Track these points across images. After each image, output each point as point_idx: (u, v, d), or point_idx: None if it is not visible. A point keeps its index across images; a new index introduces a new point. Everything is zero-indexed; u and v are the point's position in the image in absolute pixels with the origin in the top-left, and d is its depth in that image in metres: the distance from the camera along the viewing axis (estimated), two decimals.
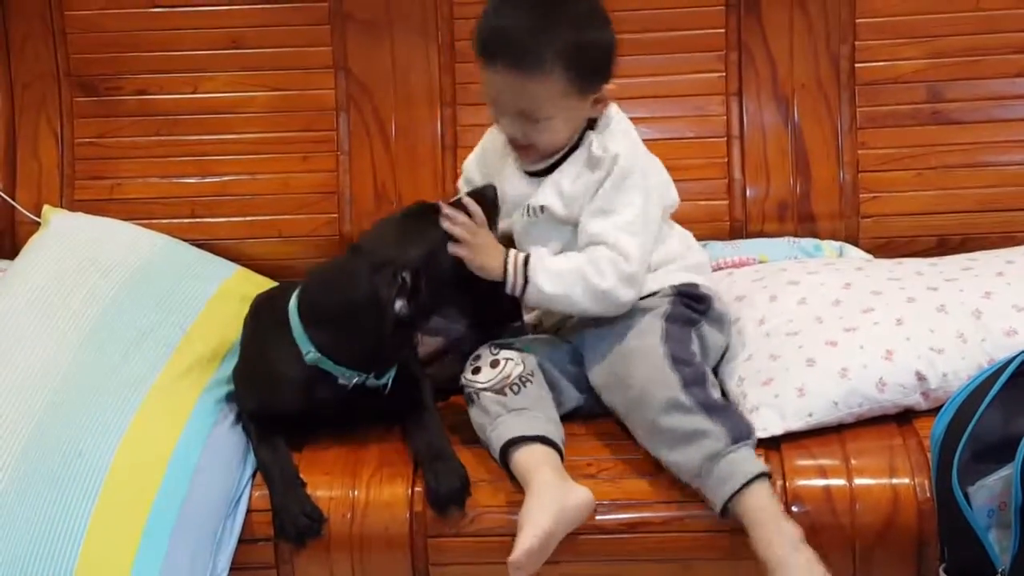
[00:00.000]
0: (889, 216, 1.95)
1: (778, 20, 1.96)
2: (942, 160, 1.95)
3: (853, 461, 1.53)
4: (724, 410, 1.53)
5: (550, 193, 1.64)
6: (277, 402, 1.60)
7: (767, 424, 1.56)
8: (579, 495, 1.49)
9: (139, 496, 1.50)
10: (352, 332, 1.55)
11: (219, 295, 1.83)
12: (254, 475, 1.58)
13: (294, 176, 2.01)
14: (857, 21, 1.96)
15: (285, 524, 1.52)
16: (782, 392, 1.58)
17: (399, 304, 1.52)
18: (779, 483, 1.51)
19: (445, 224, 1.57)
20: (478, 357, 1.61)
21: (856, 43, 1.96)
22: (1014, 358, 1.35)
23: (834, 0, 1.95)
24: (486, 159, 1.74)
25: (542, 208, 1.63)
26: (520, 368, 1.59)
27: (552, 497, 1.46)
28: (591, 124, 1.64)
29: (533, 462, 1.51)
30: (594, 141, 1.61)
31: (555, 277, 1.58)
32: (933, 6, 1.95)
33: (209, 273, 1.88)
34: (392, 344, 1.57)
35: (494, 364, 1.59)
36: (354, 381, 1.58)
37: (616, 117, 1.65)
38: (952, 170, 1.95)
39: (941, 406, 1.55)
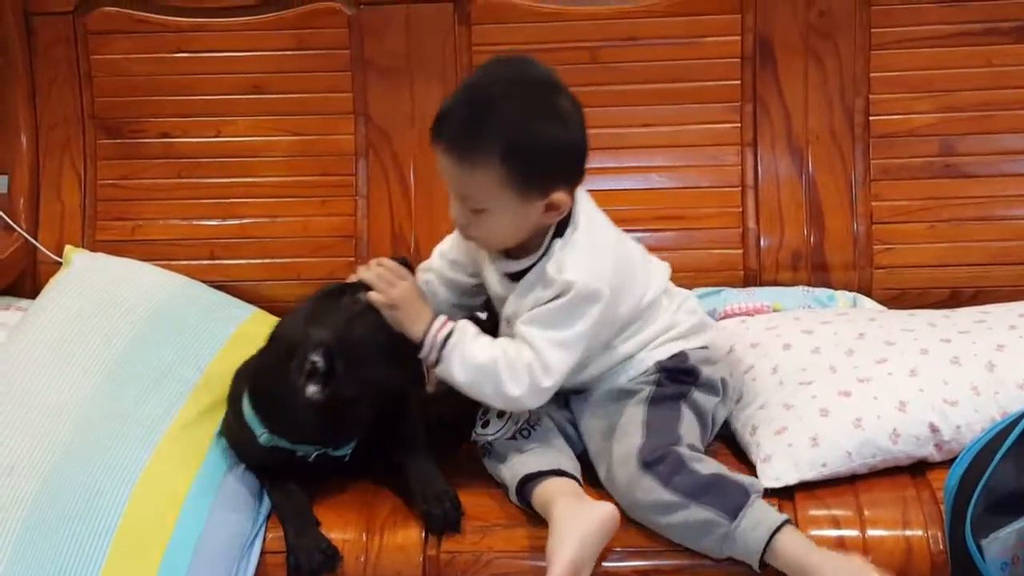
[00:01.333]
0: (902, 268, 1.97)
1: (793, 73, 1.99)
2: (955, 213, 1.96)
3: (866, 512, 1.53)
4: (714, 486, 1.50)
5: (513, 302, 1.59)
6: (258, 463, 1.62)
7: (780, 474, 1.56)
8: (599, 512, 1.48)
9: (154, 536, 1.50)
10: (287, 416, 1.55)
11: (237, 336, 1.84)
12: (268, 517, 1.59)
13: (313, 219, 2.04)
14: (871, 75, 1.98)
15: (300, 561, 1.52)
16: (795, 442, 1.58)
17: (311, 389, 1.50)
18: None
19: (366, 275, 1.55)
20: (486, 411, 1.62)
21: (870, 96, 1.98)
22: None
23: (849, 54, 1.98)
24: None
25: (507, 321, 1.61)
26: (526, 415, 1.60)
27: (572, 526, 1.46)
28: (560, 231, 1.56)
29: (549, 494, 1.51)
30: (552, 258, 1.54)
31: (468, 367, 1.53)
32: (946, 61, 1.97)
33: (227, 314, 1.89)
34: (337, 421, 1.55)
35: (500, 415, 1.60)
36: (313, 455, 1.58)
37: (584, 227, 1.56)
38: (964, 223, 1.96)
39: (954, 458, 1.56)
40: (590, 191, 1.92)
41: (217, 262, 2.03)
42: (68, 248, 1.96)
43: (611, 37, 2.00)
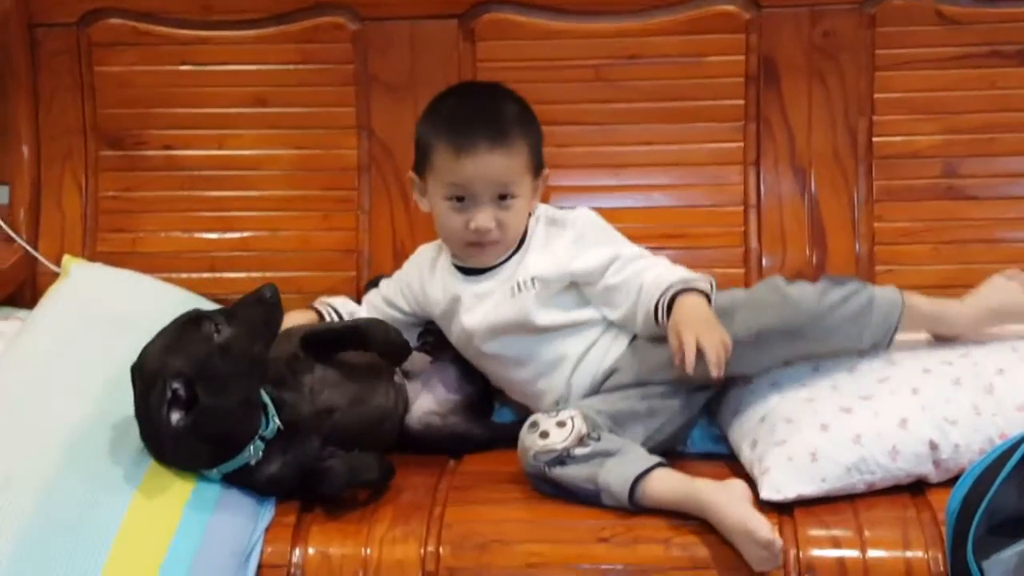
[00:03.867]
0: (904, 289, 1.96)
1: (797, 92, 1.99)
2: (957, 235, 1.97)
3: (867, 533, 1.52)
4: None
5: (531, 265, 1.70)
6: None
7: (780, 486, 1.56)
8: (738, 483, 1.54)
9: (151, 550, 1.49)
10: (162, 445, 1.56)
11: None
12: (266, 530, 1.57)
13: (314, 234, 2.03)
14: (875, 96, 1.98)
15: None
16: (795, 455, 1.58)
17: (175, 417, 1.50)
18: (792, 552, 1.51)
19: None
20: (535, 424, 1.60)
21: (874, 117, 1.98)
22: None
23: (853, 75, 1.98)
24: (411, 287, 1.80)
25: (533, 280, 1.69)
26: (583, 422, 1.60)
27: (737, 495, 1.51)
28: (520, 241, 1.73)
29: (675, 482, 1.55)
30: (540, 220, 1.73)
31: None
32: (950, 83, 1.97)
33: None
34: (209, 443, 1.55)
35: (560, 424, 1.60)
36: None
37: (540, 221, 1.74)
38: (967, 245, 1.97)
39: (952, 479, 1.57)
40: (593, 207, 1.94)
41: (218, 275, 2.02)
42: (66, 258, 1.95)
43: (614, 55, 2.01)
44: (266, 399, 1.60)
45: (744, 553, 1.48)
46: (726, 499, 1.50)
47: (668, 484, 1.55)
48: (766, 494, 1.56)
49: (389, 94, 2.03)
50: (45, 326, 1.77)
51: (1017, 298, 1.74)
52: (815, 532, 1.53)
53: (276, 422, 1.59)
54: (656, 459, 1.58)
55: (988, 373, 1.65)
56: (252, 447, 1.57)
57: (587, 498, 1.58)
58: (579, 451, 1.58)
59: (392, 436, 1.74)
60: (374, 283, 1.90)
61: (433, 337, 1.82)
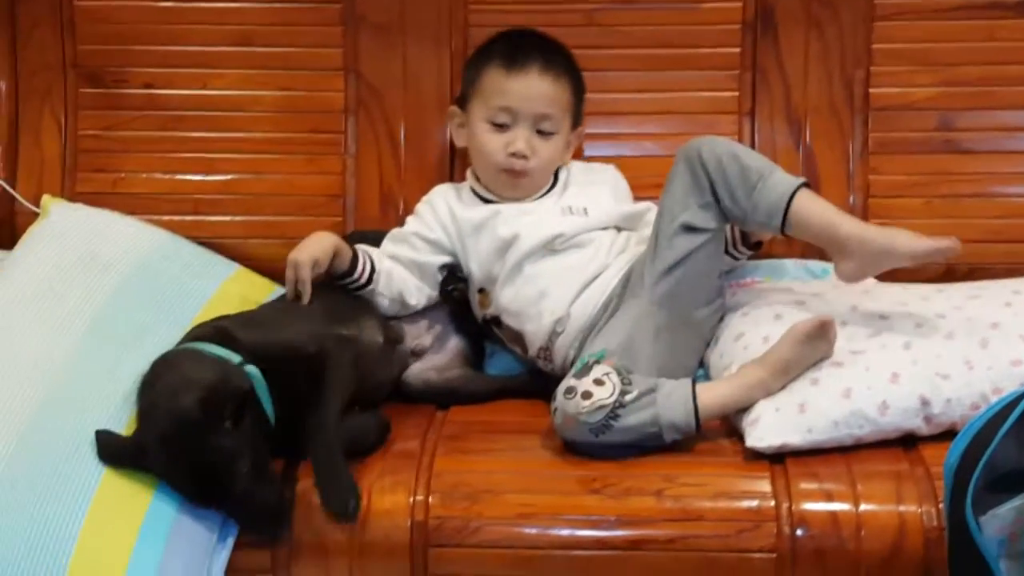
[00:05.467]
0: None
1: (794, 42, 1.96)
2: (952, 189, 1.95)
3: (859, 486, 1.52)
4: None
5: (574, 198, 1.80)
6: None
7: (765, 434, 1.56)
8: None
9: (135, 499, 1.48)
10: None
11: (219, 294, 1.81)
12: None
13: (299, 177, 1.99)
14: (873, 46, 1.95)
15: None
16: (783, 406, 1.58)
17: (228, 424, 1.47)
18: (785, 505, 1.51)
19: None
20: (572, 390, 1.57)
21: (871, 68, 1.95)
22: None
23: (851, 24, 1.95)
24: (437, 211, 1.80)
25: (585, 209, 1.77)
26: (614, 371, 1.59)
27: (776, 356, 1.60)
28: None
29: (722, 387, 1.61)
30: (573, 167, 1.85)
31: None
32: (948, 35, 1.95)
33: (210, 271, 1.86)
34: None
35: (598, 382, 1.57)
36: None
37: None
38: (961, 199, 1.94)
39: (942, 433, 1.58)
40: (584, 158, 1.92)
41: (200, 218, 1.98)
42: (45, 198, 1.90)
43: None
44: (262, 388, 1.54)
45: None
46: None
47: (718, 390, 1.60)
48: (752, 442, 1.56)
49: (377, 35, 1.98)
50: (25, 269, 1.74)
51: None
52: (807, 486, 1.53)
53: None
54: (689, 380, 1.61)
55: (982, 327, 1.64)
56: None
57: (648, 443, 1.57)
58: (628, 398, 1.57)
59: (387, 388, 1.71)
60: (353, 237, 1.86)
61: (461, 284, 1.80)
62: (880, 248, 1.60)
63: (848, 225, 1.62)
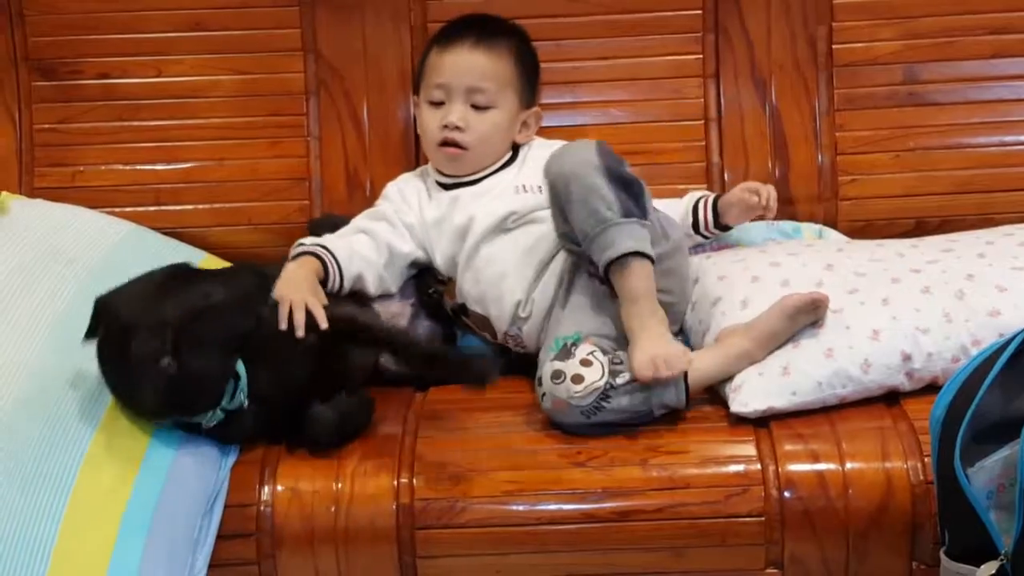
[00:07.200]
0: (867, 199, 1.94)
1: (756, 1, 1.94)
2: (919, 142, 1.94)
3: (844, 445, 1.52)
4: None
5: (531, 176, 1.76)
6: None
7: (749, 399, 1.56)
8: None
9: (113, 494, 1.46)
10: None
11: None
12: (232, 468, 1.54)
13: (262, 162, 1.97)
14: (834, 2, 1.94)
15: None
16: (766, 370, 1.58)
17: (166, 361, 1.47)
18: (771, 468, 1.50)
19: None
20: (560, 374, 1.55)
21: (833, 24, 1.95)
22: (1014, 337, 1.33)
23: None
24: (404, 194, 1.80)
25: (539, 187, 1.73)
26: (598, 350, 1.57)
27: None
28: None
29: (708, 357, 1.60)
30: (533, 144, 1.83)
31: None
32: None
33: (177, 260, 1.82)
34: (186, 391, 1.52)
35: (585, 363, 1.56)
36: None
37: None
38: (929, 152, 1.94)
39: (924, 387, 1.58)
40: (548, 127, 1.90)
41: (163, 208, 1.95)
42: (3, 195, 1.87)
43: None
44: (241, 371, 1.54)
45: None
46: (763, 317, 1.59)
47: (703, 362, 1.59)
48: (736, 408, 1.56)
49: (335, 13, 1.95)
50: None
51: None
52: (792, 447, 1.52)
53: (243, 398, 1.54)
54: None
55: (957, 279, 1.64)
56: (209, 414, 1.53)
57: (638, 420, 1.56)
58: (620, 380, 1.55)
59: (366, 372, 1.69)
60: (318, 224, 1.84)
61: (441, 286, 1.79)
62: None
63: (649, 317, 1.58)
